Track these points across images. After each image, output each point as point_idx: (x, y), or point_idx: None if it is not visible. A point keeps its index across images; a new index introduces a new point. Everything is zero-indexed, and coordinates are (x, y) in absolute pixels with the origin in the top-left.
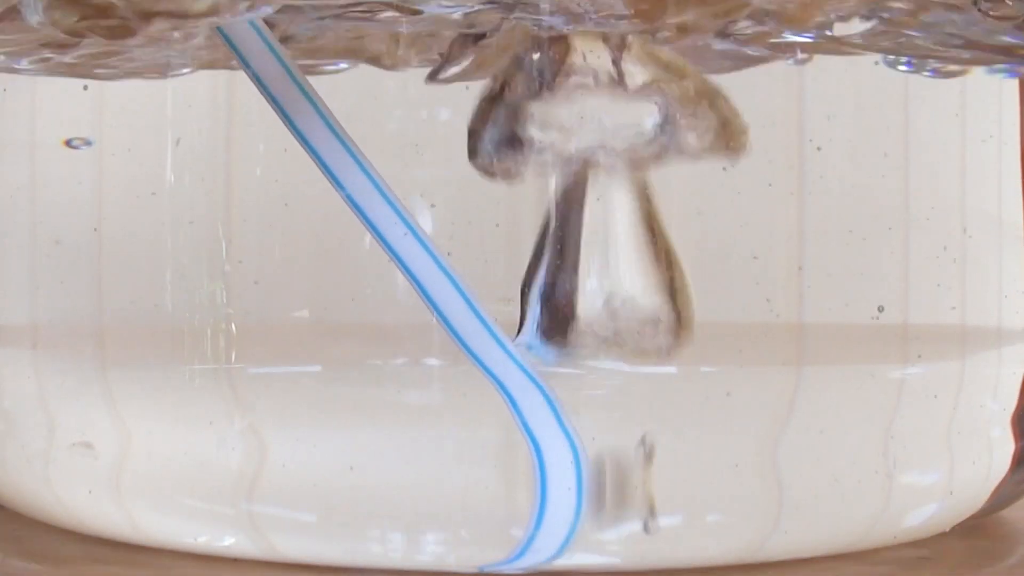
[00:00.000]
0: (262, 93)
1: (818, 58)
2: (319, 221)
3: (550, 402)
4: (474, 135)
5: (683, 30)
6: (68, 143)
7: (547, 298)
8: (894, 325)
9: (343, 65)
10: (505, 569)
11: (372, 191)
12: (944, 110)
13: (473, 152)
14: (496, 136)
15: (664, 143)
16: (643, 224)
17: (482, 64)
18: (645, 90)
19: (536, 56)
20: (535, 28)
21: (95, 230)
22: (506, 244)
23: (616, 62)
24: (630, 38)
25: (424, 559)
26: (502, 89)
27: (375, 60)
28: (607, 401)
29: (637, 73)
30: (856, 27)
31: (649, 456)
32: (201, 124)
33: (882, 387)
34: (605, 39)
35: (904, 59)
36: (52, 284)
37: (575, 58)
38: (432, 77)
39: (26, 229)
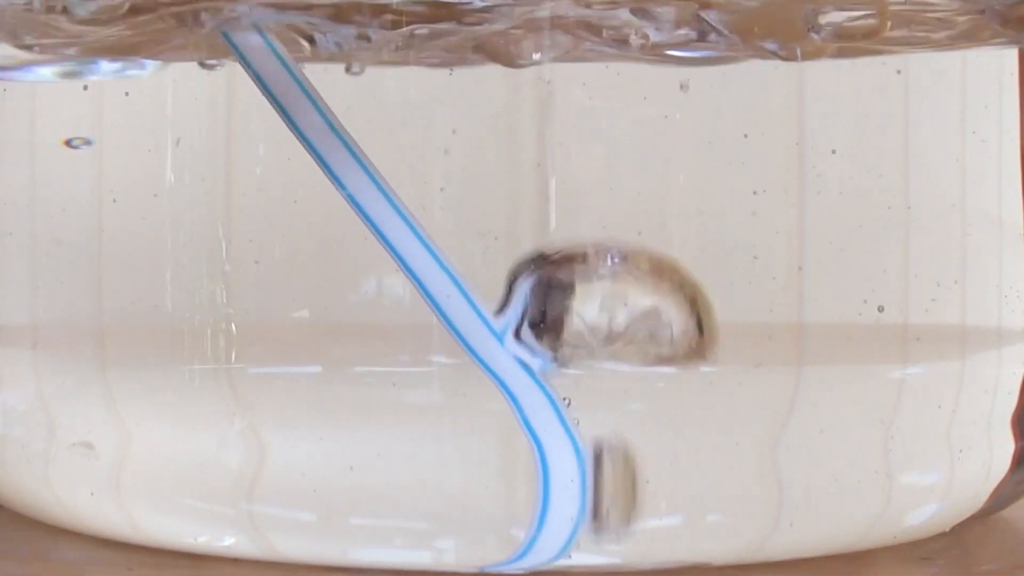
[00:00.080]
0: (263, 92)
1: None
2: (319, 221)
3: (552, 402)
4: None
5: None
6: (68, 143)
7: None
8: (894, 325)
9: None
10: (507, 569)
11: (373, 190)
12: (944, 110)
13: None
14: None
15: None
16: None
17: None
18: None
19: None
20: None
21: (95, 230)
22: (507, 244)
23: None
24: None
25: (425, 559)
26: None
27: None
28: (607, 401)
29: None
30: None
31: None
32: (201, 124)
33: (882, 387)
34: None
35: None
36: (52, 284)
37: None
38: None
39: (26, 229)
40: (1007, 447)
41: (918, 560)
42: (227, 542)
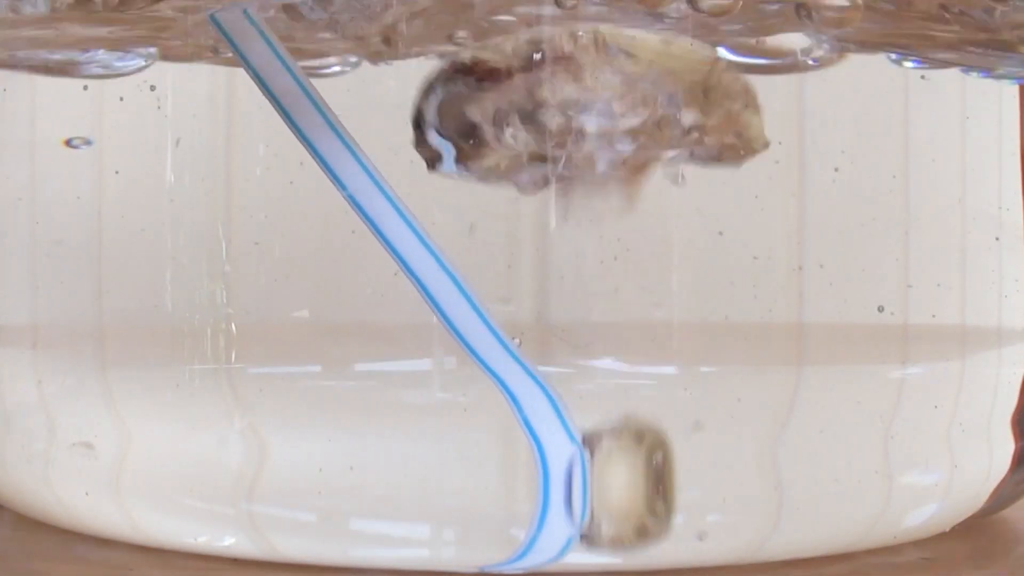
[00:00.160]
0: (263, 92)
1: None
2: (320, 221)
3: (552, 402)
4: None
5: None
6: (68, 143)
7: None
8: (894, 325)
9: (336, 68)
10: (507, 569)
11: (373, 190)
12: (944, 111)
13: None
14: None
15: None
16: None
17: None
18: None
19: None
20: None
21: (95, 230)
22: (507, 244)
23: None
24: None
25: (425, 559)
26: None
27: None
28: (607, 401)
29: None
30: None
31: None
32: (201, 124)
33: (882, 387)
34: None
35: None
36: (52, 284)
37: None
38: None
39: (26, 229)
40: (1007, 447)
41: (918, 560)
42: (227, 542)
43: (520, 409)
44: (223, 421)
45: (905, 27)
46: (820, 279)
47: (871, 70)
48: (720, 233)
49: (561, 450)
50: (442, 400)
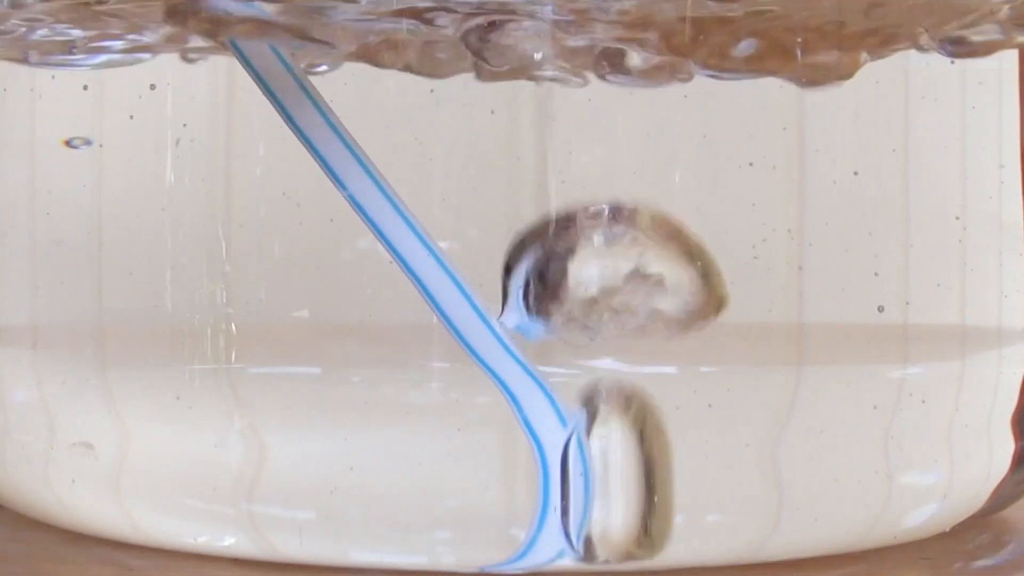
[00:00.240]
0: (264, 92)
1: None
2: (320, 221)
3: (552, 402)
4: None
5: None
6: (68, 143)
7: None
8: (894, 325)
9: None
10: (507, 569)
11: (374, 190)
12: (944, 110)
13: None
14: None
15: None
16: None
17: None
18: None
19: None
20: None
21: (95, 230)
22: (507, 243)
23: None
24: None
25: (425, 559)
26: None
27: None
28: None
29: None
30: None
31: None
32: (201, 124)
33: (882, 387)
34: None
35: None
36: (52, 284)
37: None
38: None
39: (26, 229)
40: (1007, 447)
41: (918, 560)
42: (227, 542)
43: (520, 409)
44: (223, 421)
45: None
46: (820, 279)
47: (871, 70)
48: (720, 233)
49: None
50: (442, 400)
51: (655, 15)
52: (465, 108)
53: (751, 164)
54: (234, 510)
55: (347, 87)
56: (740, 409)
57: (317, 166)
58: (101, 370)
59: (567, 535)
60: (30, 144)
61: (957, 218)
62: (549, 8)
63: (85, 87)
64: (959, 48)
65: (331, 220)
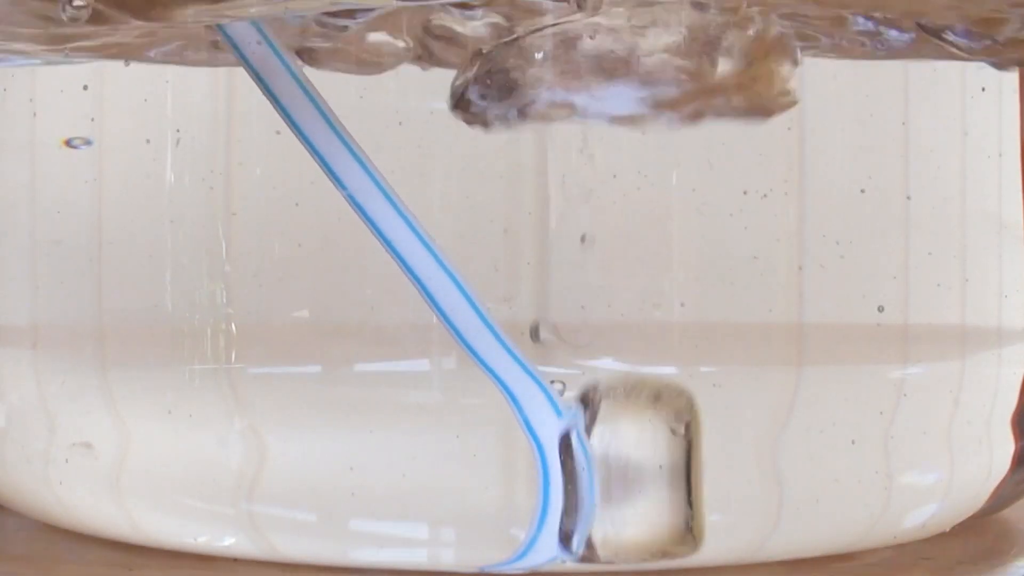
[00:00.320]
0: (263, 92)
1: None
2: (319, 221)
3: (552, 402)
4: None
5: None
6: (68, 143)
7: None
8: (894, 325)
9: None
10: (506, 569)
11: (374, 190)
12: (944, 110)
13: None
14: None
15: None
16: None
17: None
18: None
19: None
20: None
21: (95, 230)
22: (507, 244)
23: None
24: None
25: (425, 559)
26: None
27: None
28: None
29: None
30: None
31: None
32: (201, 124)
33: (882, 387)
34: None
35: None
36: (52, 284)
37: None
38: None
39: (26, 229)
40: (1007, 447)
41: (918, 560)
42: (227, 542)
43: (520, 409)
44: (223, 421)
45: None
46: (820, 279)
47: (871, 69)
48: (720, 233)
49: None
50: (442, 400)
51: None
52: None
53: (750, 164)
54: (234, 510)
55: (347, 87)
56: (740, 409)
57: (317, 166)
58: (101, 370)
59: (568, 535)
60: (30, 144)
61: (957, 218)
62: None
63: (85, 87)
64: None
65: (331, 220)
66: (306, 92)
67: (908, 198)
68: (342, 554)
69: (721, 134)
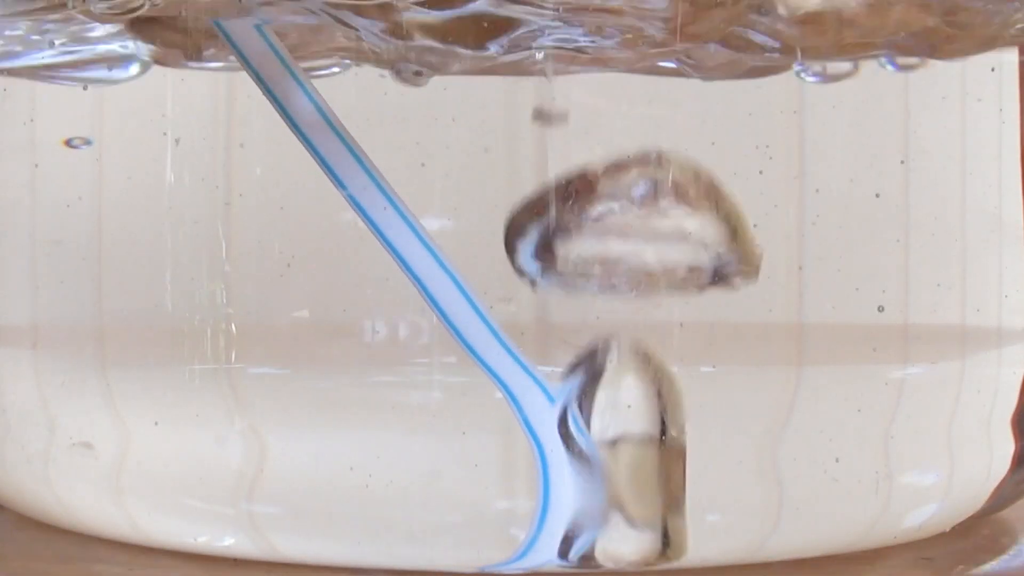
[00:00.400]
0: (263, 92)
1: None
2: (319, 221)
3: (552, 402)
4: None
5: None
6: (68, 143)
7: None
8: (894, 325)
9: (335, 69)
10: (507, 569)
11: (374, 191)
12: (944, 110)
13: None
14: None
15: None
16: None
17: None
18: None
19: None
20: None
21: (95, 230)
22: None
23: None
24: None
25: (425, 559)
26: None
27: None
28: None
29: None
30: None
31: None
32: (201, 124)
33: (882, 387)
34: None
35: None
36: (52, 284)
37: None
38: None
39: (26, 229)
40: (1007, 447)
41: (918, 560)
42: (227, 542)
43: (519, 409)
44: (223, 421)
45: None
46: (820, 279)
47: (870, 71)
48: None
49: (561, 450)
50: (442, 400)
51: None
52: (465, 108)
53: (751, 164)
54: (234, 510)
55: (347, 87)
56: (740, 409)
57: (317, 166)
58: (101, 370)
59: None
60: (30, 144)
61: (957, 218)
62: None
63: (85, 87)
64: None
65: (331, 220)
66: (306, 92)
67: (908, 198)
68: (342, 554)
69: (722, 134)
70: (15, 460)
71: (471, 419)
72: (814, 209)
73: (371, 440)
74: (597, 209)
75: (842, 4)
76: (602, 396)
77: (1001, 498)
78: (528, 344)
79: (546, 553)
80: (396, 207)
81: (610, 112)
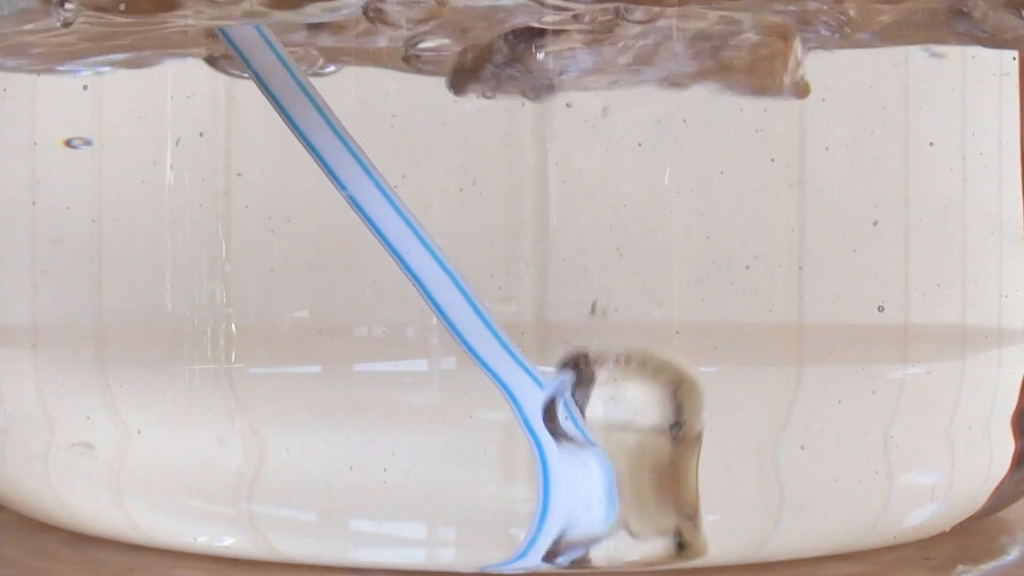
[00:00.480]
0: (263, 93)
1: (818, 56)
2: (320, 220)
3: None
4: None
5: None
6: (68, 143)
7: None
8: (894, 325)
9: (331, 68)
10: (507, 569)
11: (374, 191)
12: (944, 110)
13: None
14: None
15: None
16: None
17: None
18: None
19: None
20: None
21: (95, 230)
22: (507, 244)
23: None
24: None
25: (425, 559)
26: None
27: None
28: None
29: None
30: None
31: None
32: (201, 124)
33: (882, 387)
34: None
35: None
36: (52, 284)
37: None
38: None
39: (26, 229)
40: (1007, 447)
41: (918, 560)
42: (227, 542)
43: (520, 409)
44: (223, 421)
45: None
46: (820, 279)
47: (871, 69)
48: (720, 233)
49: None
50: (442, 400)
51: None
52: (465, 109)
53: (751, 164)
54: (234, 510)
55: (347, 88)
56: (740, 409)
57: (317, 167)
58: (101, 370)
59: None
60: (30, 144)
61: (957, 218)
62: None
63: (85, 87)
64: None
65: (331, 220)
66: (306, 92)
67: (908, 198)
68: (342, 554)
69: (721, 135)
70: (15, 460)
71: (471, 419)
72: (814, 209)
73: (371, 440)
74: None
75: None
76: (603, 393)
77: (1001, 498)
78: (528, 344)
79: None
80: (396, 207)
81: (608, 111)
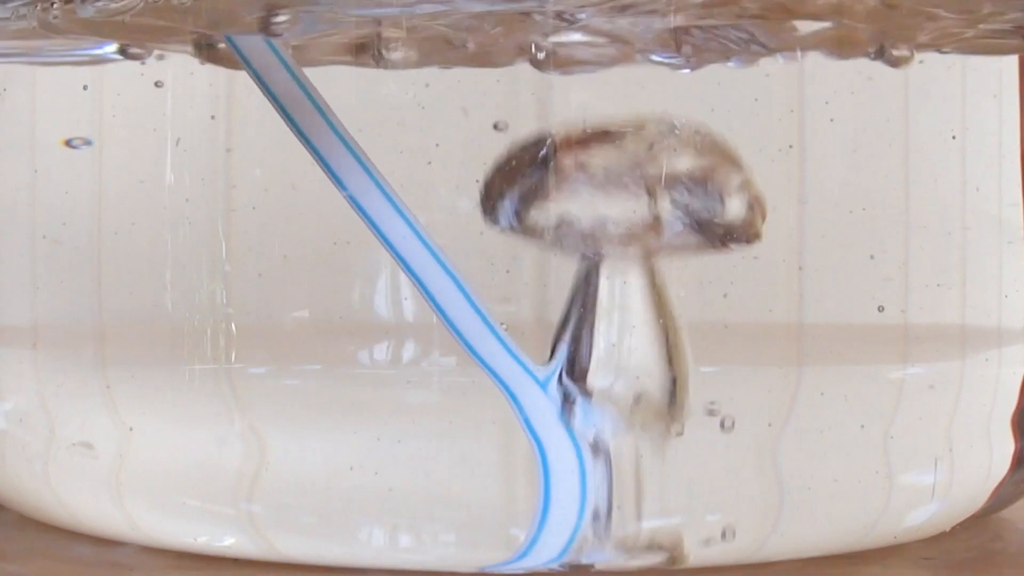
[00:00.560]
0: (264, 93)
1: (818, 56)
2: (319, 221)
3: (552, 402)
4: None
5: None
6: (68, 143)
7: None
8: (894, 325)
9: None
10: (508, 569)
11: (374, 191)
12: (944, 110)
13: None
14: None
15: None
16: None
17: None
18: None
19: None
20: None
21: (95, 230)
22: (507, 244)
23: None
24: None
25: (425, 559)
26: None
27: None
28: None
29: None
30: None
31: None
32: (201, 123)
33: (882, 387)
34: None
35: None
36: (52, 284)
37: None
38: None
39: (26, 229)
40: (1007, 447)
41: (918, 560)
42: (227, 542)
43: (520, 409)
44: (223, 421)
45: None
46: (820, 279)
47: (871, 70)
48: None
49: (561, 450)
50: (442, 400)
51: None
52: (465, 108)
53: (750, 163)
54: (234, 510)
55: (348, 88)
56: (740, 409)
57: (317, 166)
58: (101, 370)
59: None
60: (30, 144)
61: (957, 218)
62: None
63: (85, 87)
64: None
65: (331, 220)
66: (306, 92)
67: (908, 198)
68: (342, 554)
69: (721, 133)
70: (15, 460)
71: (471, 419)
72: (814, 209)
73: (371, 440)
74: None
75: None
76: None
77: (1001, 498)
78: (528, 344)
79: (546, 553)
80: (396, 207)
81: (607, 108)
